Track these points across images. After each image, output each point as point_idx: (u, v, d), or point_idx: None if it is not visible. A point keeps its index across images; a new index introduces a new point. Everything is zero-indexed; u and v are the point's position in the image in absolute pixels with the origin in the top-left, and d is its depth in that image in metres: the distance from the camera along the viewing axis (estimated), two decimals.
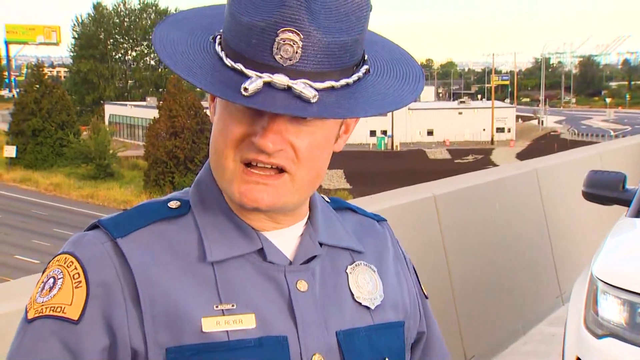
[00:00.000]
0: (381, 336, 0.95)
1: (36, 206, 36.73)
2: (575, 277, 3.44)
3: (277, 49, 0.82)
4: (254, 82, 0.81)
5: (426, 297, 1.07)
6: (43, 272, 0.90)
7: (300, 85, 0.82)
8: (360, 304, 0.95)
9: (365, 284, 0.96)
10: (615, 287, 2.83)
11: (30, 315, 0.86)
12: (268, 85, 0.82)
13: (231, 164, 0.87)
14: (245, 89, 0.81)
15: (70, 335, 0.84)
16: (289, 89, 0.82)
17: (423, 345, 1.06)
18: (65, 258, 0.88)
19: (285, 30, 0.81)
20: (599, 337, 2.80)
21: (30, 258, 26.35)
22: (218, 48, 0.86)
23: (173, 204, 0.92)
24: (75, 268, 0.86)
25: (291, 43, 0.82)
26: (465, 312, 4.02)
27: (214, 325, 0.85)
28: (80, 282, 0.85)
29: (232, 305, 0.87)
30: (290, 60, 0.82)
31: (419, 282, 1.07)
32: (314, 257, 0.94)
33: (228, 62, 0.84)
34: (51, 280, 0.87)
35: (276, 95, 0.81)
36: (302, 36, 0.82)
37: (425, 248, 3.89)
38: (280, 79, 0.82)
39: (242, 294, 0.88)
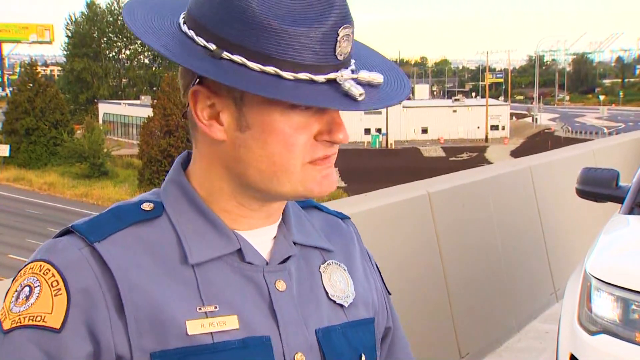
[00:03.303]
0: (356, 333, 0.96)
1: (30, 205, 36.63)
2: (569, 274, 3.45)
3: (339, 47, 0.83)
4: (353, 85, 0.83)
5: (389, 293, 1.09)
6: (13, 281, 0.87)
7: (375, 76, 0.86)
8: (334, 302, 0.96)
9: (338, 283, 0.98)
10: (608, 284, 2.84)
11: (6, 326, 0.83)
12: (334, 82, 0.84)
13: (299, 168, 0.87)
14: (361, 94, 0.83)
15: (52, 344, 0.82)
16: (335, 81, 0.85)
17: (389, 340, 1.08)
18: (41, 265, 0.85)
19: (343, 27, 0.83)
20: (592, 333, 2.81)
21: (25, 257, 26.19)
22: (270, 69, 0.82)
23: (146, 206, 0.90)
24: (53, 275, 0.84)
25: (348, 38, 0.84)
26: (459, 310, 4.03)
27: (198, 327, 0.85)
28: (59, 289, 0.83)
29: (215, 307, 0.86)
30: (345, 54, 0.85)
31: (382, 279, 1.09)
32: (289, 256, 0.94)
33: (290, 75, 0.82)
34: (26, 289, 0.84)
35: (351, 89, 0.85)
36: (352, 27, 0.85)
37: (420, 245, 3.89)
38: (350, 74, 0.85)
39: (224, 295, 0.87)
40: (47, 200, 38.52)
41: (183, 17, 0.89)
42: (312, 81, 0.83)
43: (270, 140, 0.85)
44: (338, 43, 0.83)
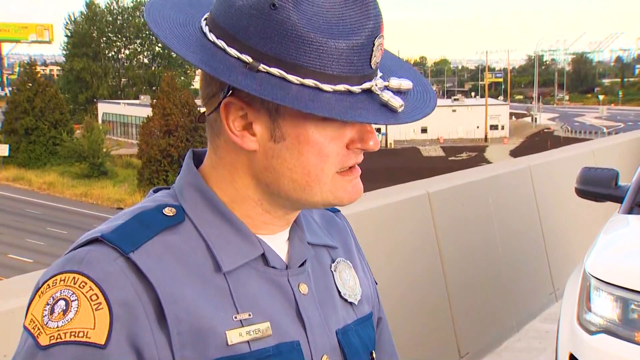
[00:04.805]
0: (363, 329, 0.98)
1: (30, 205, 36.63)
2: (568, 274, 3.45)
3: (374, 57, 0.84)
4: (392, 96, 0.84)
5: (376, 283, 1.10)
6: (38, 293, 0.82)
7: (404, 83, 0.87)
8: (346, 300, 0.97)
9: (347, 281, 0.99)
10: (608, 284, 2.84)
11: (44, 342, 0.79)
12: (369, 92, 0.84)
13: (329, 177, 0.87)
14: (401, 106, 0.84)
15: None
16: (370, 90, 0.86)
17: (379, 330, 1.09)
18: (74, 278, 0.81)
19: (378, 37, 0.84)
20: (592, 333, 2.81)
21: (24, 257, 26.28)
22: (309, 81, 0.82)
23: (168, 211, 0.88)
24: (91, 289, 0.80)
25: (381, 47, 0.85)
26: (459, 309, 4.03)
27: (237, 337, 0.84)
28: (100, 303, 0.80)
29: (249, 315, 0.86)
30: (378, 63, 0.86)
31: (369, 268, 1.10)
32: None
33: (329, 87, 0.82)
34: (62, 302, 0.80)
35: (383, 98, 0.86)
36: (384, 35, 0.85)
37: (419, 245, 3.89)
38: (382, 82, 0.85)
39: (255, 301, 0.87)
40: (46, 200, 38.52)
41: (206, 24, 0.87)
42: (350, 92, 0.83)
43: (306, 151, 0.85)
44: (373, 53, 0.84)
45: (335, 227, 1.04)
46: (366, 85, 0.84)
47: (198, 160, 0.93)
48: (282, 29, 0.81)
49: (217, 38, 0.84)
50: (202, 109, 0.92)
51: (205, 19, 0.88)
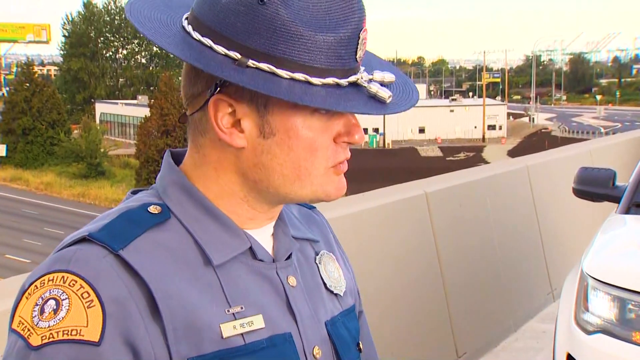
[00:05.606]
0: (349, 320, 0.99)
1: (27, 205, 36.60)
2: (566, 274, 3.46)
3: (360, 50, 0.86)
4: (380, 88, 0.85)
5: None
6: (26, 295, 0.81)
7: (387, 76, 0.88)
8: (331, 292, 0.98)
9: (332, 273, 1.00)
10: (605, 284, 2.84)
11: (35, 342, 0.78)
12: (355, 85, 0.86)
13: (322, 171, 0.88)
14: (390, 97, 0.85)
15: (92, 358, 0.78)
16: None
17: (360, 324, 1.09)
18: (63, 277, 0.80)
19: (362, 31, 0.85)
20: (589, 333, 2.82)
21: (21, 257, 26.25)
22: (299, 75, 0.82)
23: (154, 209, 0.88)
24: (82, 287, 0.79)
25: (365, 40, 0.87)
26: (456, 309, 4.03)
27: (231, 330, 0.85)
28: (92, 301, 0.79)
29: (241, 308, 0.86)
30: (362, 57, 0.87)
31: (350, 264, 1.11)
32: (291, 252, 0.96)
33: (318, 81, 0.83)
34: (52, 301, 0.79)
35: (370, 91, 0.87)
36: (367, 29, 0.87)
37: (417, 245, 3.90)
38: (367, 75, 0.87)
39: (246, 294, 0.87)
40: (44, 200, 38.49)
41: (189, 23, 0.87)
42: (338, 85, 0.84)
43: (295, 145, 0.86)
44: (359, 47, 0.85)
45: (314, 222, 1.05)
46: (352, 78, 0.85)
47: (176, 160, 0.93)
48: (270, 24, 0.82)
49: (203, 36, 0.84)
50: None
51: (187, 19, 0.88)
